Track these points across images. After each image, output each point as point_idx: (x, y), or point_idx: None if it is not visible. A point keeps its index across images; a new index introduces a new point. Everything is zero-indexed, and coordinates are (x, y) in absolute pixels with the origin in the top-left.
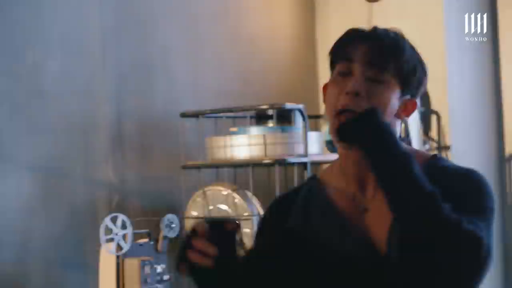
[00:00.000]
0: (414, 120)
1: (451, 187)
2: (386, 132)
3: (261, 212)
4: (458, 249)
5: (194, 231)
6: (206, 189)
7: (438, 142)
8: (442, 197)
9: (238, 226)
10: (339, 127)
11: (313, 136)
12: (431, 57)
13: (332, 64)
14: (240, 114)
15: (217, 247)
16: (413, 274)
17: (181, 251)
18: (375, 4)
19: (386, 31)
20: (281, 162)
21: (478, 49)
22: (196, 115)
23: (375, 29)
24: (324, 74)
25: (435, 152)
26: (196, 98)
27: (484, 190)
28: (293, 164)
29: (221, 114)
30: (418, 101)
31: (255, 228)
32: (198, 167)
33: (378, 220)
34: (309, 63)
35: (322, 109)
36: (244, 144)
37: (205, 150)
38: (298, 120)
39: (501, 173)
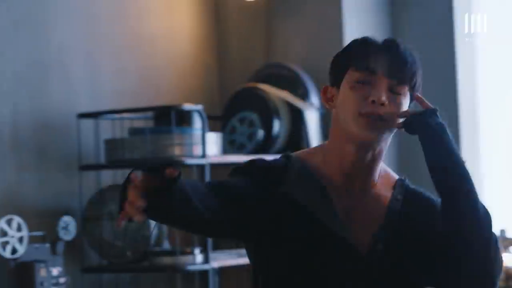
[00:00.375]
0: (313, 120)
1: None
2: (445, 130)
3: None
4: (497, 254)
5: (128, 180)
6: (104, 190)
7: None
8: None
9: (177, 172)
10: (409, 117)
11: (212, 137)
12: (329, 58)
13: (340, 70)
14: (139, 114)
15: (154, 194)
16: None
17: (119, 200)
18: (274, 4)
19: (399, 43)
20: (179, 164)
21: None
22: (94, 115)
23: (392, 41)
24: (225, 75)
25: None
26: (94, 98)
27: None
28: (191, 165)
29: (120, 115)
30: None
31: (155, 230)
32: (95, 168)
33: (363, 220)
34: (209, 64)
35: (222, 110)
36: (142, 145)
37: (103, 151)
38: (197, 121)
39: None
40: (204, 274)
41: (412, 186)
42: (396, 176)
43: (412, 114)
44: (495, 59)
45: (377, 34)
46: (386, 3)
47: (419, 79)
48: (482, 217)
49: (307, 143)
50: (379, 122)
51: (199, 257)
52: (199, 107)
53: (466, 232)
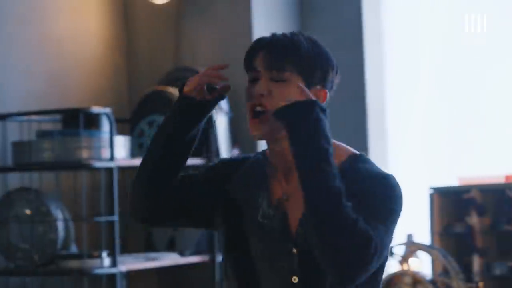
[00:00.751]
0: (222, 124)
1: (361, 187)
2: (314, 125)
3: (67, 216)
4: (350, 244)
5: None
6: (10, 193)
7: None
8: (348, 195)
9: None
10: (278, 108)
11: (120, 140)
12: (238, 65)
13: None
14: (47, 117)
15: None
16: (312, 260)
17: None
18: (184, 7)
19: (284, 35)
20: (87, 167)
21: None
22: (1, 117)
23: (273, 35)
24: (134, 77)
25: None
26: (1, 100)
27: (390, 194)
28: (99, 168)
29: (27, 117)
30: (330, 91)
31: (61, 233)
32: (2, 171)
33: (295, 209)
34: (118, 66)
35: (130, 113)
36: (50, 148)
37: (10, 154)
38: (105, 124)
39: None
40: (111, 277)
41: (362, 164)
42: (351, 152)
43: (287, 103)
44: (402, 61)
45: None
46: (295, 8)
47: (308, 61)
48: (330, 209)
49: (216, 147)
50: (263, 117)
51: (106, 260)
52: (107, 110)
53: (312, 218)
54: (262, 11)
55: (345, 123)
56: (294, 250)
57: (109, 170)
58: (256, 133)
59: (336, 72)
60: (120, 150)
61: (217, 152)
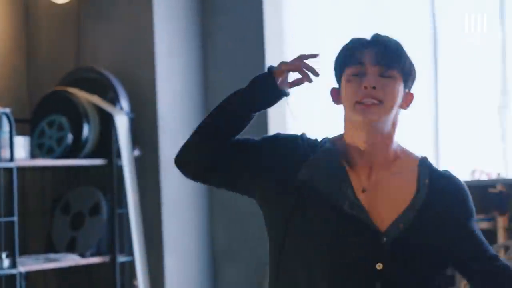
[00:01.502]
0: (123, 125)
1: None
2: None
3: None
4: None
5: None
6: None
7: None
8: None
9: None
10: None
11: (20, 140)
12: (141, 62)
13: (338, 71)
14: None
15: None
16: None
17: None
18: (85, 8)
19: (387, 37)
20: None
21: (186, 54)
22: None
23: (377, 35)
24: (34, 77)
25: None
26: None
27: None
28: None
29: None
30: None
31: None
32: None
33: (387, 199)
34: (17, 66)
35: (30, 113)
36: None
37: None
38: (5, 124)
39: None
40: (11, 278)
41: (435, 167)
42: (418, 156)
43: None
44: None
45: (188, 40)
46: (197, 8)
47: (408, 65)
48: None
49: (117, 147)
50: (373, 106)
51: (6, 261)
52: (7, 110)
53: None
54: (163, 12)
55: (188, 126)
56: (384, 239)
57: (9, 170)
58: (371, 119)
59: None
60: (19, 151)
61: (118, 152)
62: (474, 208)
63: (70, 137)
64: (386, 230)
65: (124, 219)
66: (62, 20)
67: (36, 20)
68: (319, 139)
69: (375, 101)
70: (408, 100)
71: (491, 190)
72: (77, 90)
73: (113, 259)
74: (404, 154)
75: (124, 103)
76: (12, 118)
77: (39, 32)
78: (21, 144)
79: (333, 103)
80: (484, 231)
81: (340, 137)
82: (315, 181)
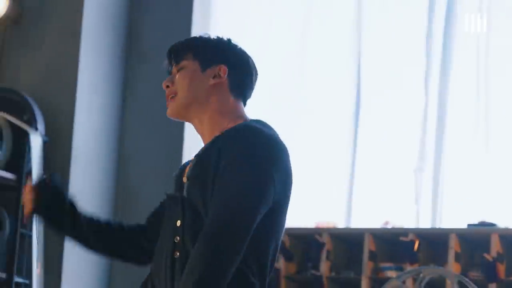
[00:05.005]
0: (37, 145)
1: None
2: None
3: None
4: None
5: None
6: None
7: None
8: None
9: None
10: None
11: None
12: (62, 92)
13: None
14: None
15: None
16: None
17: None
18: (8, 30)
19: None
20: None
21: (107, 92)
22: None
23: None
24: None
25: None
26: None
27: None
28: None
29: None
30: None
31: None
32: None
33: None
34: None
35: None
36: None
37: None
38: None
39: (115, 208)
40: None
41: (251, 123)
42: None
43: None
44: None
45: (111, 77)
46: (123, 50)
47: (207, 49)
48: None
49: (29, 165)
50: (170, 101)
51: None
52: None
53: None
54: (90, 45)
55: (100, 161)
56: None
57: None
58: (171, 113)
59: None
60: None
61: (29, 172)
62: (240, 151)
63: None
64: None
65: (26, 240)
66: None
67: None
68: None
69: (172, 95)
70: (219, 74)
71: (403, 238)
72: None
73: (10, 279)
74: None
75: (40, 126)
76: None
77: None
78: None
79: None
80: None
81: None
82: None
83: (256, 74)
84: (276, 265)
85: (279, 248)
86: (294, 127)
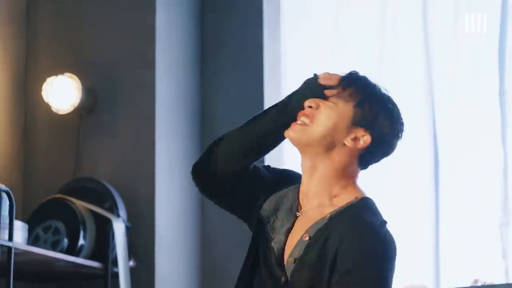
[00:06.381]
0: (120, 231)
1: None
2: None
3: None
4: None
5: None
6: None
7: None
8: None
9: None
10: None
11: (19, 225)
12: (141, 177)
13: None
14: None
15: None
16: None
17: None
18: (85, 120)
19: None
20: None
21: (185, 174)
22: None
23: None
24: (30, 191)
25: None
26: None
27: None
28: None
29: None
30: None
31: None
32: None
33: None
34: (15, 181)
35: (26, 220)
36: None
37: None
38: (5, 203)
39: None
40: None
41: (365, 211)
42: (359, 197)
43: None
44: None
45: (188, 160)
46: (197, 132)
47: (367, 100)
48: None
49: (113, 252)
50: (297, 125)
51: None
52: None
53: None
54: (164, 130)
55: (184, 245)
56: (282, 279)
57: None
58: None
59: None
60: (17, 234)
61: (114, 260)
62: (366, 263)
63: (65, 242)
64: (284, 266)
65: None
66: (62, 133)
67: (35, 131)
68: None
69: (305, 122)
70: (360, 137)
71: None
72: (74, 198)
73: None
74: (348, 193)
75: (122, 212)
76: (13, 198)
77: (37, 144)
78: (19, 228)
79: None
80: None
81: None
82: (270, 217)
83: (395, 147)
84: None
85: None
86: (375, 191)
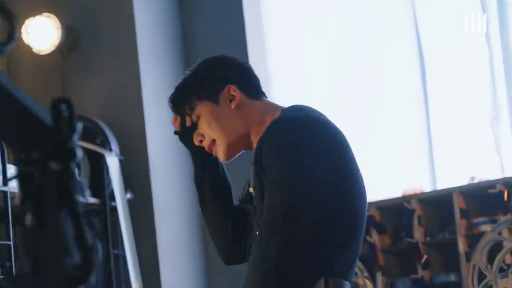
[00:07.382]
0: (114, 165)
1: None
2: None
3: None
4: None
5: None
6: None
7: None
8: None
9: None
10: None
11: (13, 168)
12: (129, 109)
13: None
14: None
15: None
16: None
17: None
18: (70, 58)
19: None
20: None
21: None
22: None
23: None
24: None
25: None
26: None
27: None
28: None
29: None
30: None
31: None
32: None
33: None
34: None
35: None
36: None
37: None
38: None
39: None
40: None
41: (284, 114)
42: (278, 113)
43: None
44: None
45: (172, 84)
46: (181, 58)
47: (204, 83)
48: None
49: (110, 186)
50: (215, 150)
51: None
52: None
53: None
54: (148, 60)
55: (179, 170)
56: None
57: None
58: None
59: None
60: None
61: (111, 194)
62: (274, 154)
63: None
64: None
65: (120, 260)
66: (47, 72)
67: (19, 74)
68: None
69: (212, 145)
70: (231, 95)
71: (491, 191)
72: None
73: None
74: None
75: (114, 146)
76: (4, 144)
77: (22, 87)
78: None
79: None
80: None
81: None
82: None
83: (246, 63)
84: (370, 239)
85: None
86: (363, 100)
